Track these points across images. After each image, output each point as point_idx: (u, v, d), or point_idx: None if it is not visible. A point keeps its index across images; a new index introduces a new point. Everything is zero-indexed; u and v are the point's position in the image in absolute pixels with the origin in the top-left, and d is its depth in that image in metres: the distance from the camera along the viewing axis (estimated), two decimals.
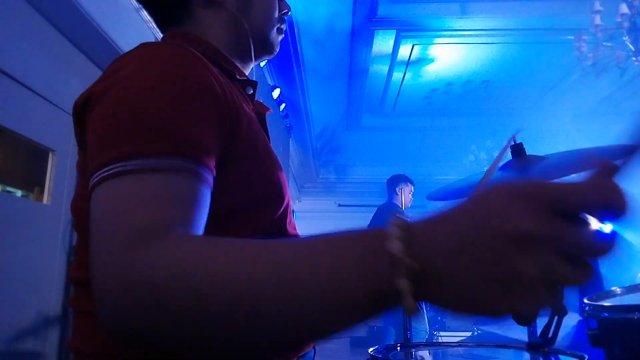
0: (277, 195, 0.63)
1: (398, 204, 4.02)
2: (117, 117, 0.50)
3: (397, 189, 4.05)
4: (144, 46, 0.58)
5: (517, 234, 0.29)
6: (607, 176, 0.29)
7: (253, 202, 0.60)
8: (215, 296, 0.38)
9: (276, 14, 0.78)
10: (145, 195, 0.46)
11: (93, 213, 0.47)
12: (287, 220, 0.66)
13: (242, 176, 0.58)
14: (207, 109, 0.53)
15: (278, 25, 0.79)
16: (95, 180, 0.48)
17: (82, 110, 0.55)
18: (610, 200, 0.27)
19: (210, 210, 0.53)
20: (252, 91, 0.72)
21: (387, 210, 4.08)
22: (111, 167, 0.47)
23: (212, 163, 0.52)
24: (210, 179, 0.51)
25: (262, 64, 4.14)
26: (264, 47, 0.78)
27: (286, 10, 0.81)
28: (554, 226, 0.28)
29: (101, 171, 0.48)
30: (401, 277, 0.32)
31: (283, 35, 0.81)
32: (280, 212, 0.64)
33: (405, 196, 4.00)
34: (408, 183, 4.05)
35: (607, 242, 0.28)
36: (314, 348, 0.72)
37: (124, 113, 0.50)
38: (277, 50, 0.80)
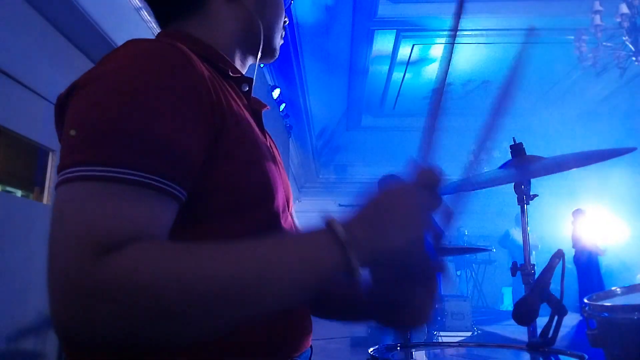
0: (266, 194, 0.62)
1: None
2: (92, 116, 0.50)
3: None
4: (132, 42, 0.57)
5: (418, 206, 0.53)
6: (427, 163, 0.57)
7: (240, 202, 0.59)
8: (205, 292, 0.44)
9: (282, 21, 0.80)
10: (112, 204, 0.46)
11: (58, 210, 0.47)
12: (282, 219, 0.65)
13: (228, 176, 0.58)
14: (190, 110, 0.53)
15: (281, 32, 0.81)
16: (64, 177, 0.48)
17: (65, 103, 0.55)
18: (438, 182, 0.55)
19: (194, 211, 0.54)
20: (247, 88, 0.72)
21: None
22: (79, 169, 0.47)
23: (187, 175, 0.52)
24: (180, 193, 0.51)
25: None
26: (268, 49, 0.79)
27: (286, 19, 0.83)
28: (427, 196, 0.54)
29: (69, 170, 0.47)
30: (351, 252, 0.48)
31: (282, 41, 0.83)
32: (272, 211, 0.63)
33: None
34: None
35: (439, 197, 0.55)
36: (310, 347, 0.72)
37: (102, 113, 0.50)
38: (277, 55, 0.82)
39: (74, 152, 0.48)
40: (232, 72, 0.69)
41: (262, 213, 0.62)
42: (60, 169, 0.49)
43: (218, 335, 0.49)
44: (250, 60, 0.79)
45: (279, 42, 0.81)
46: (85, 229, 0.44)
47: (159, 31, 0.76)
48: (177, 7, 0.72)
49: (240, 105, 0.65)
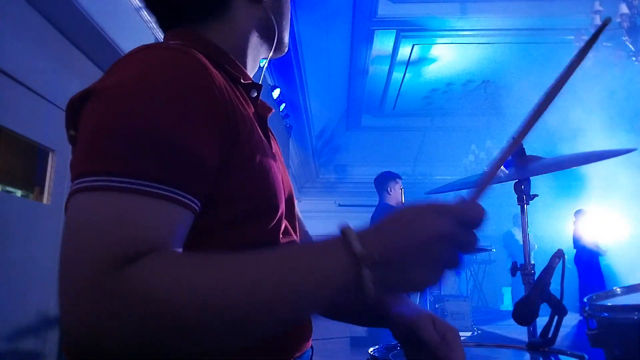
0: (270, 207, 0.62)
1: (391, 203, 3.84)
2: (112, 125, 0.50)
3: (388, 189, 3.88)
4: (147, 48, 0.57)
5: (440, 233, 0.47)
6: (476, 200, 0.51)
7: (250, 211, 0.59)
8: (220, 308, 0.44)
9: (289, 14, 0.81)
10: (131, 216, 0.46)
11: (74, 220, 0.47)
12: (280, 230, 0.66)
13: (236, 189, 0.57)
14: (207, 121, 0.53)
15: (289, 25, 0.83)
16: (79, 186, 0.47)
17: (79, 106, 0.54)
18: (478, 220, 0.49)
19: (200, 221, 0.53)
20: (255, 94, 0.71)
21: (384, 213, 3.99)
22: (98, 178, 0.47)
23: (202, 186, 0.52)
24: (195, 205, 0.51)
25: (261, 63, 4.14)
26: (280, 44, 0.80)
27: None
28: (459, 230, 0.48)
29: (88, 179, 0.47)
30: (364, 268, 0.46)
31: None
32: (273, 223, 0.63)
33: (397, 193, 3.84)
34: (397, 179, 3.89)
35: (476, 240, 0.50)
36: (311, 347, 0.72)
37: (119, 123, 0.49)
38: (287, 48, 0.84)
39: (91, 161, 0.48)
40: (243, 80, 0.69)
41: (269, 221, 0.62)
42: (76, 176, 0.48)
43: (231, 349, 0.49)
44: (264, 59, 0.80)
45: (287, 36, 0.83)
46: (103, 240, 0.44)
47: (159, 31, 0.76)
48: (197, 12, 0.71)
49: (250, 112, 0.65)
